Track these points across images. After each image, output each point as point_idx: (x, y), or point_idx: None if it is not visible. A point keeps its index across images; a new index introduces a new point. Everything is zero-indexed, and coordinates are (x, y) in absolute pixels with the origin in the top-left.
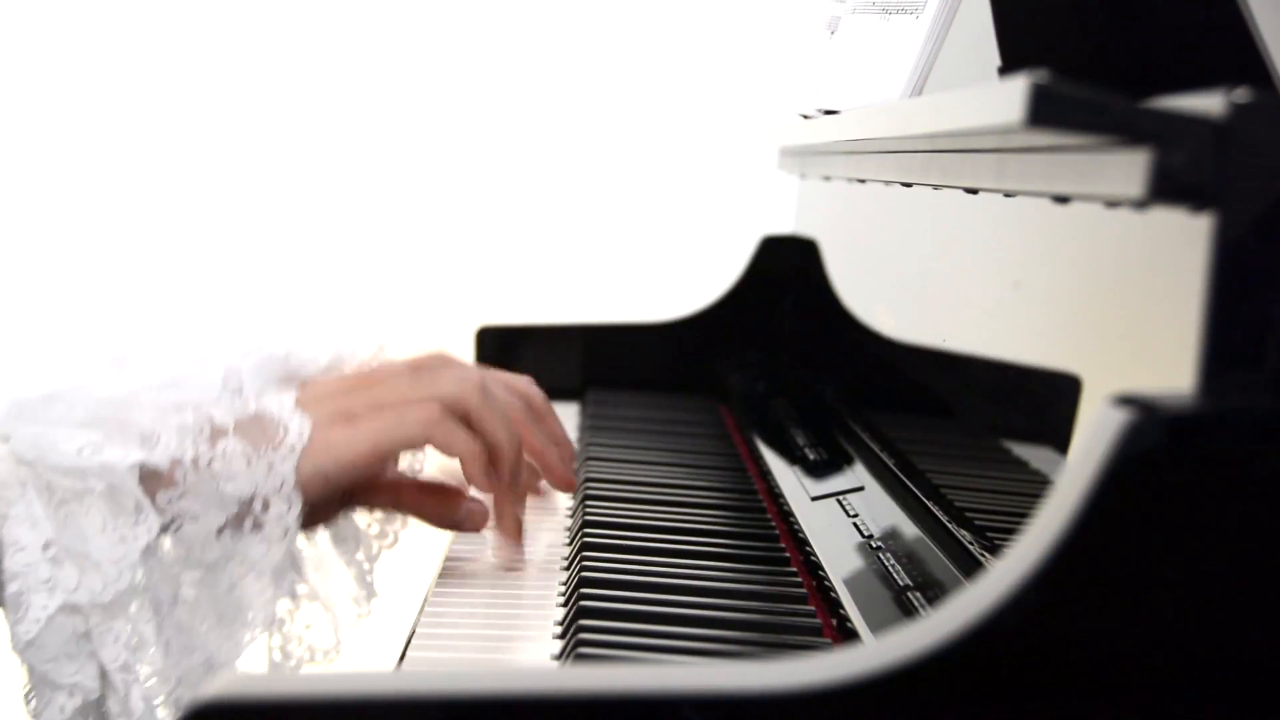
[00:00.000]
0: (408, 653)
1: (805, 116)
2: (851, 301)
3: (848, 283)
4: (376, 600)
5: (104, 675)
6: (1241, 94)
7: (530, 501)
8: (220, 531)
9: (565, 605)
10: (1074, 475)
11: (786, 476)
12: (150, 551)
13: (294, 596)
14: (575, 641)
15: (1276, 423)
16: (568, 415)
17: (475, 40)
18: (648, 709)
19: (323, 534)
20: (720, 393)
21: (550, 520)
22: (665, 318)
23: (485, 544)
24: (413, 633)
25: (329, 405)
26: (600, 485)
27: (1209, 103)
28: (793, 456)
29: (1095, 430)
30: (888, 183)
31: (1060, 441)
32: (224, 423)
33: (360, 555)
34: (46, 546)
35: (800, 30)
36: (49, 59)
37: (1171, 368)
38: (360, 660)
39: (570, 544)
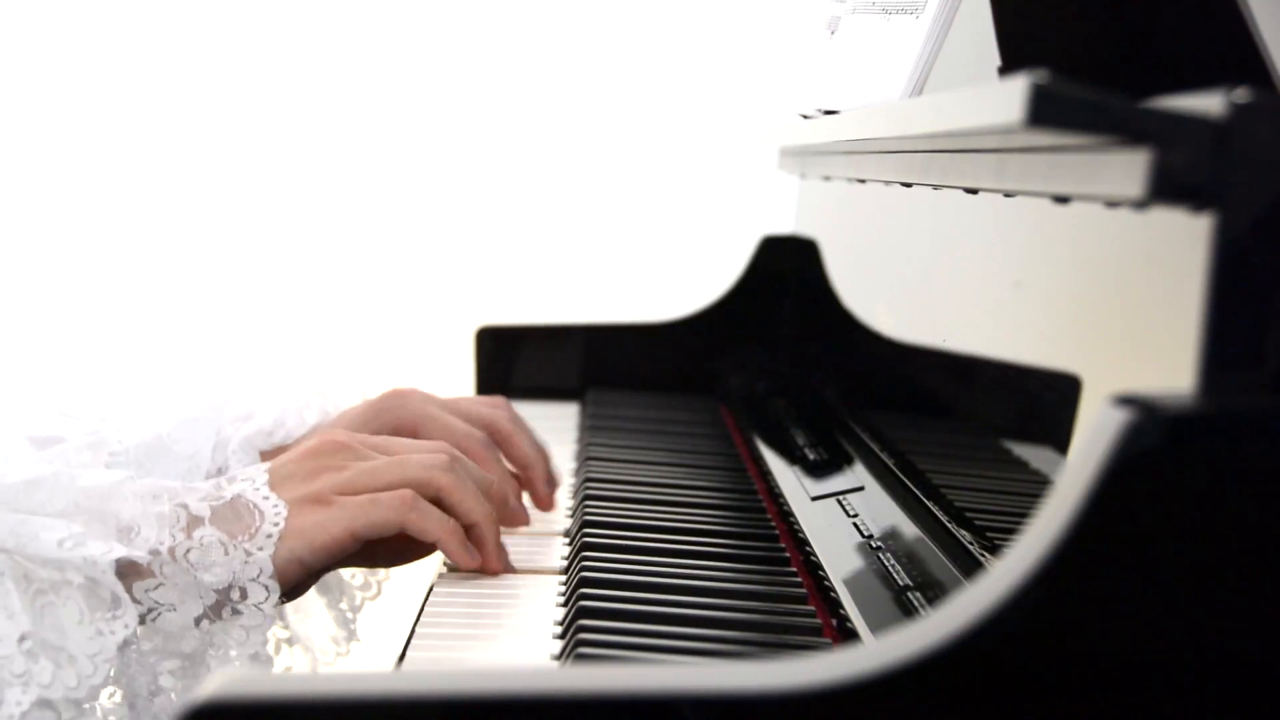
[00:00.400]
0: (408, 653)
1: (805, 116)
2: (851, 301)
3: (848, 283)
4: (374, 602)
5: None
6: (1241, 94)
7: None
8: (199, 621)
9: (565, 605)
10: (1074, 475)
11: (786, 476)
12: (127, 644)
13: (273, 631)
14: (575, 641)
15: (1276, 423)
16: (568, 415)
17: (475, 41)
18: (648, 709)
19: None
20: (720, 393)
21: (550, 520)
22: (665, 318)
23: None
24: (413, 633)
25: (300, 487)
26: (600, 485)
27: (1209, 103)
28: (793, 456)
29: (1095, 430)
30: (888, 183)
31: (1060, 441)
32: (200, 512)
33: (344, 605)
34: (23, 639)
35: (800, 30)
36: (41, 65)
37: (1171, 368)
38: (360, 660)
39: (570, 544)
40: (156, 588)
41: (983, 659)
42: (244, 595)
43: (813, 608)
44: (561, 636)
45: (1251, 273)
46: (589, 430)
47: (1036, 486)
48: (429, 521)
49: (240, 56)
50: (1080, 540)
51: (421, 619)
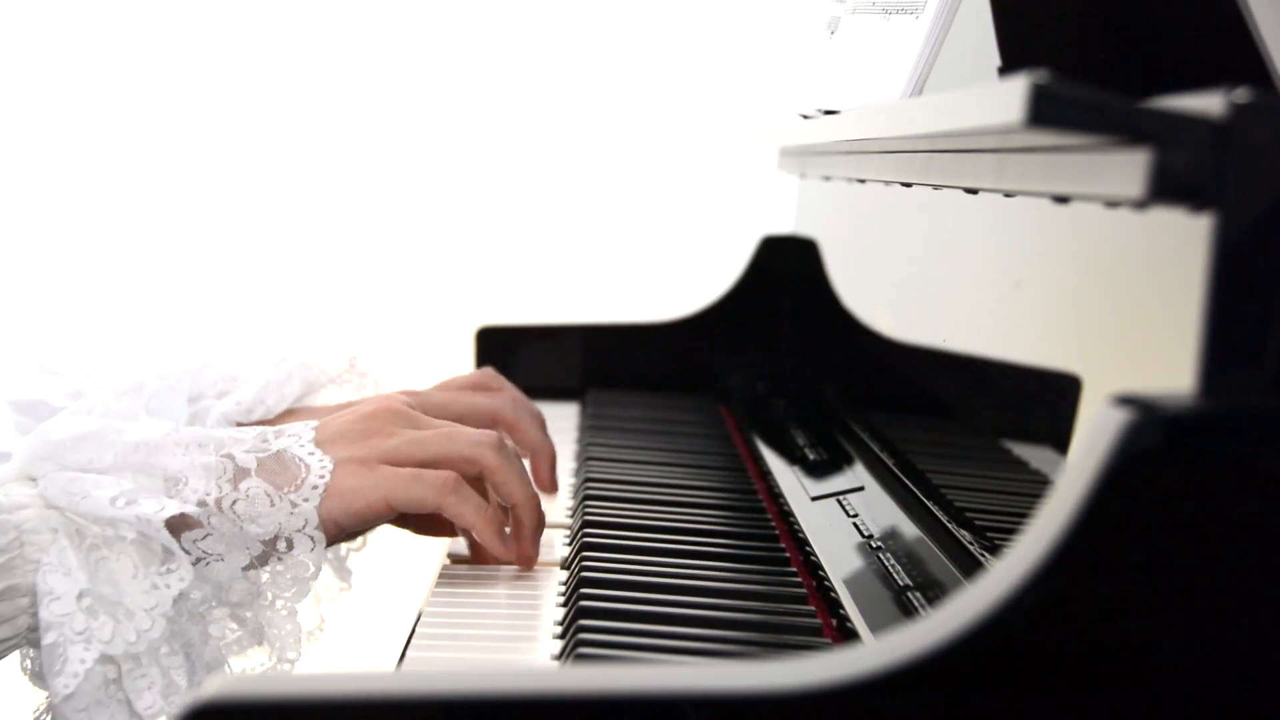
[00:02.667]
0: (408, 653)
1: (805, 116)
2: (851, 301)
3: (848, 283)
4: (360, 585)
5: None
6: (1241, 94)
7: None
8: (246, 570)
9: (565, 605)
10: (1074, 475)
11: (786, 476)
12: (182, 597)
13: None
14: (575, 641)
15: (1276, 423)
16: (568, 415)
17: (476, 41)
18: (648, 709)
19: None
20: (720, 393)
21: (550, 519)
22: (665, 318)
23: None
24: (413, 633)
25: (345, 448)
26: (600, 485)
27: (1209, 103)
28: (793, 456)
29: (1095, 430)
30: (888, 183)
31: (1060, 441)
32: (246, 463)
33: (329, 554)
34: (81, 596)
35: (800, 30)
36: (42, 66)
37: (1171, 368)
38: (360, 660)
39: (570, 544)
40: (204, 538)
41: (983, 659)
42: (290, 546)
43: (813, 608)
44: (561, 636)
45: (1251, 273)
46: (589, 430)
47: (1036, 486)
48: (466, 506)
49: (240, 57)
50: (1080, 540)
51: (421, 619)
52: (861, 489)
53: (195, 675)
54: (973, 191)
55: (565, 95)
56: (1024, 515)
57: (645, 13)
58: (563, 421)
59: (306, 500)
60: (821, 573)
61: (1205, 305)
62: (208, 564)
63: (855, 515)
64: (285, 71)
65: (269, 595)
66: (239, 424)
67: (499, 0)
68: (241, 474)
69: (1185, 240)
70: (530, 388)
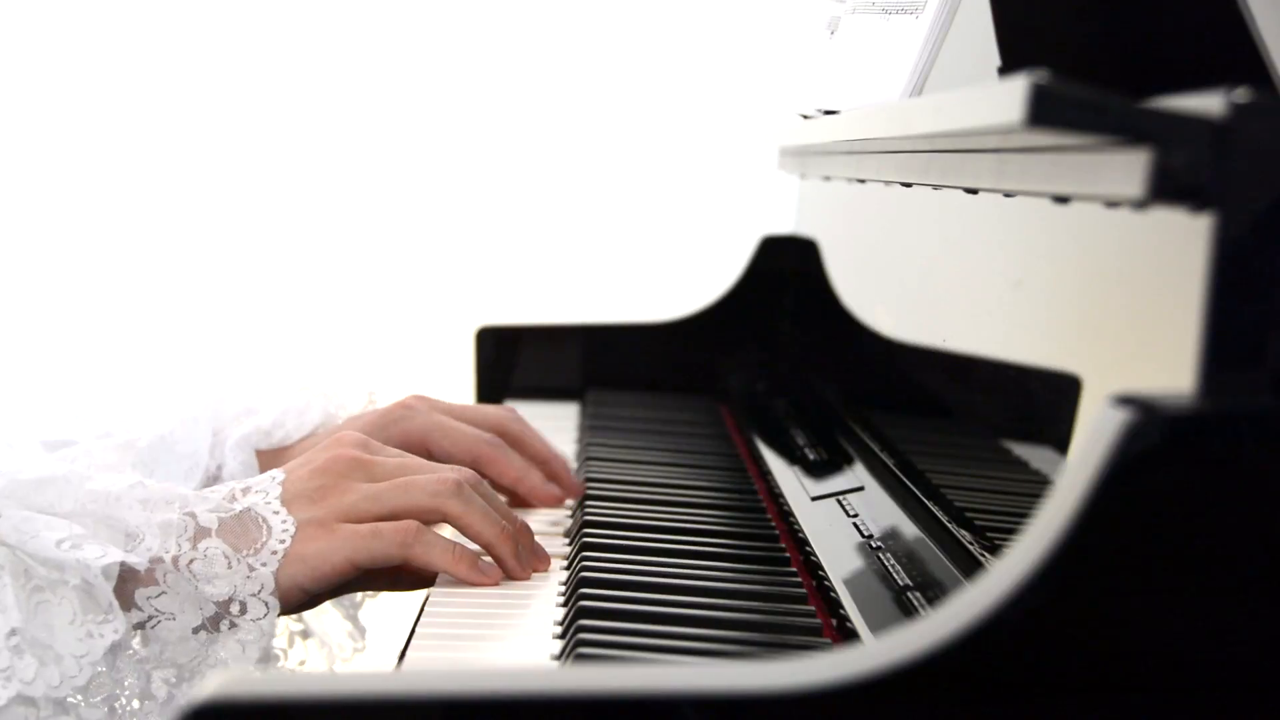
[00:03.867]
0: (408, 653)
1: (805, 116)
2: (851, 301)
3: (848, 283)
4: (374, 603)
5: None
6: (1241, 94)
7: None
8: (196, 631)
9: (565, 605)
10: (1074, 475)
11: (786, 476)
12: (119, 649)
13: (285, 623)
14: (575, 641)
15: (1276, 423)
16: (567, 415)
17: (476, 41)
18: (648, 709)
19: None
20: (720, 393)
21: (550, 519)
22: (665, 318)
23: None
24: (412, 633)
25: (305, 508)
26: (600, 485)
27: (1209, 103)
28: (793, 456)
29: (1095, 430)
30: (888, 183)
31: (1060, 441)
32: (208, 523)
33: (346, 601)
34: (11, 634)
35: (800, 30)
36: (43, 66)
37: (1171, 368)
38: (360, 660)
39: (570, 544)
40: (158, 595)
41: (983, 659)
42: (244, 610)
43: (813, 608)
44: (561, 636)
45: (1251, 273)
46: (589, 430)
47: (1036, 486)
48: (433, 552)
49: (241, 57)
50: (1080, 540)
51: (421, 619)
52: (861, 489)
53: None
54: (973, 191)
55: (565, 95)
56: (1024, 515)
57: (645, 13)
58: (563, 421)
59: (264, 565)
60: (821, 573)
61: (1205, 305)
62: (158, 622)
63: (855, 515)
64: (285, 72)
65: (216, 658)
66: (258, 450)
67: (499, 0)
68: (202, 533)
69: (1185, 240)
70: (530, 388)
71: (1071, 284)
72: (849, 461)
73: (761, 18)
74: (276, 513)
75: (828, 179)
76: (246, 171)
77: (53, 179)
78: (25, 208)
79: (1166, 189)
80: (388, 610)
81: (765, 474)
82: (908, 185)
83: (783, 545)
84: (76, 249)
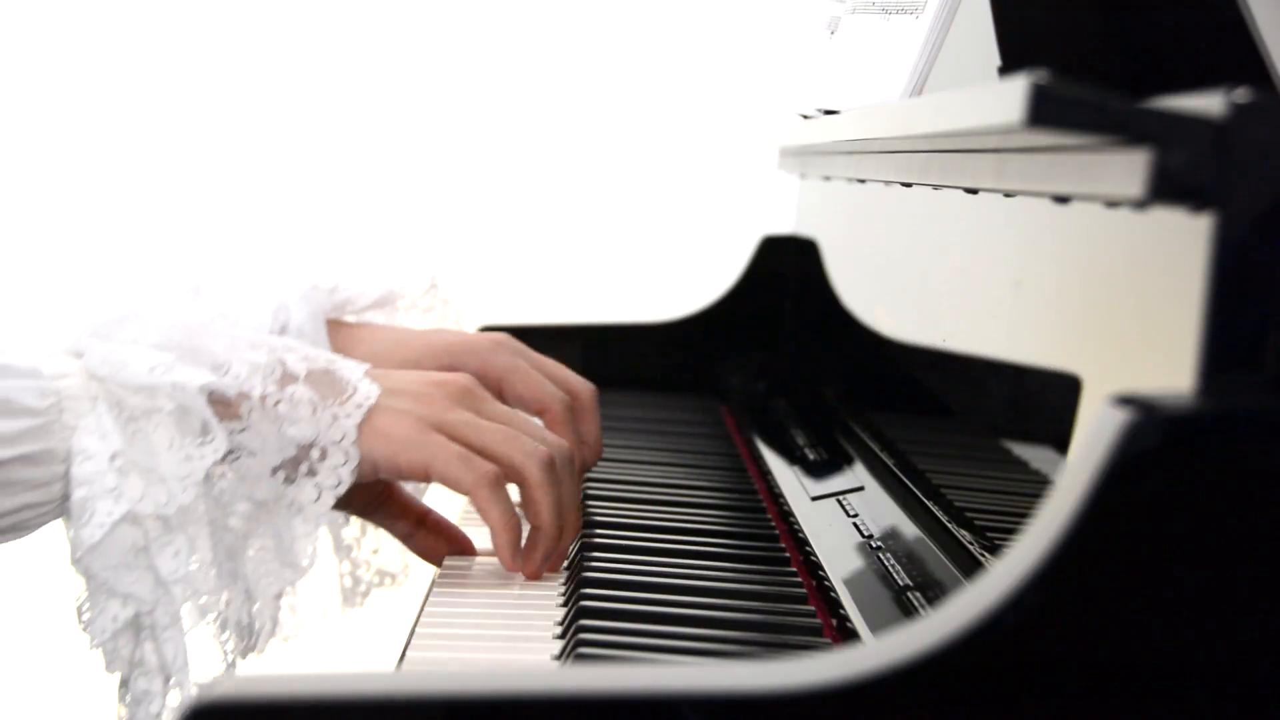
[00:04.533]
0: (408, 653)
1: (805, 116)
2: (851, 301)
3: (848, 283)
4: (374, 602)
5: (160, 587)
6: (1241, 94)
7: None
8: (275, 471)
9: (565, 605)
10: (1074, 475)
11: (786, 476)
12: (211, 476)
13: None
14: (575, 641)
15: (1276, 423)
16: None
17: (476, 40)
18: (648, 709)
19: None
20: (720, 393)
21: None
22: (665, 318)
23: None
24: (413, 633)
25: (406, 402)
26: (600, 485)
27: (1209, 103)
28: (793, 456)
29: (1095, 430)
30: (888, 183)
31: (1060, 441)
32: (296, 369)
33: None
34: (114, 457)
35: (800, 30)
36: (43, 66)
37: (1171, 368)
38: (360, 660)
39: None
40: (241, 430)
41: (983, 659)
42: (324, 455)
43: (813, 608)
44: (561, 636)
45: (1251, 273)
46: None
47: (1036, 486)
48: (495, 508)
49: (240, 57)
50: (1080, 540)
51: (421, 619)
52: (861, 489)
53: (217, 554)
54: (973, 191)
55: (565, 96)
56: (1024, 515)
57: (646, 13)
58: None
59: (349, 416)
60: (821, 573)
61: (1205, 305)
62: (239, 458)
63: (855, 515)
64: (285, 73)
65: (293, 500)
66: (328, 319)
67: (499, 0)
68: (289, 378)
69: (1185, 240)
70: None
71: (1071, 284)
72: (849, 461)
73: (761, 18)
74: (362, 380)
75: (828, 179)
76: (246, 172)
77: (53, 181)
78: (21, 207)
79: (1166, 189)
80: (388, 610)
81: (765, 474)
82: (908, 185)
83: (783, 545)
84: (75, 247)
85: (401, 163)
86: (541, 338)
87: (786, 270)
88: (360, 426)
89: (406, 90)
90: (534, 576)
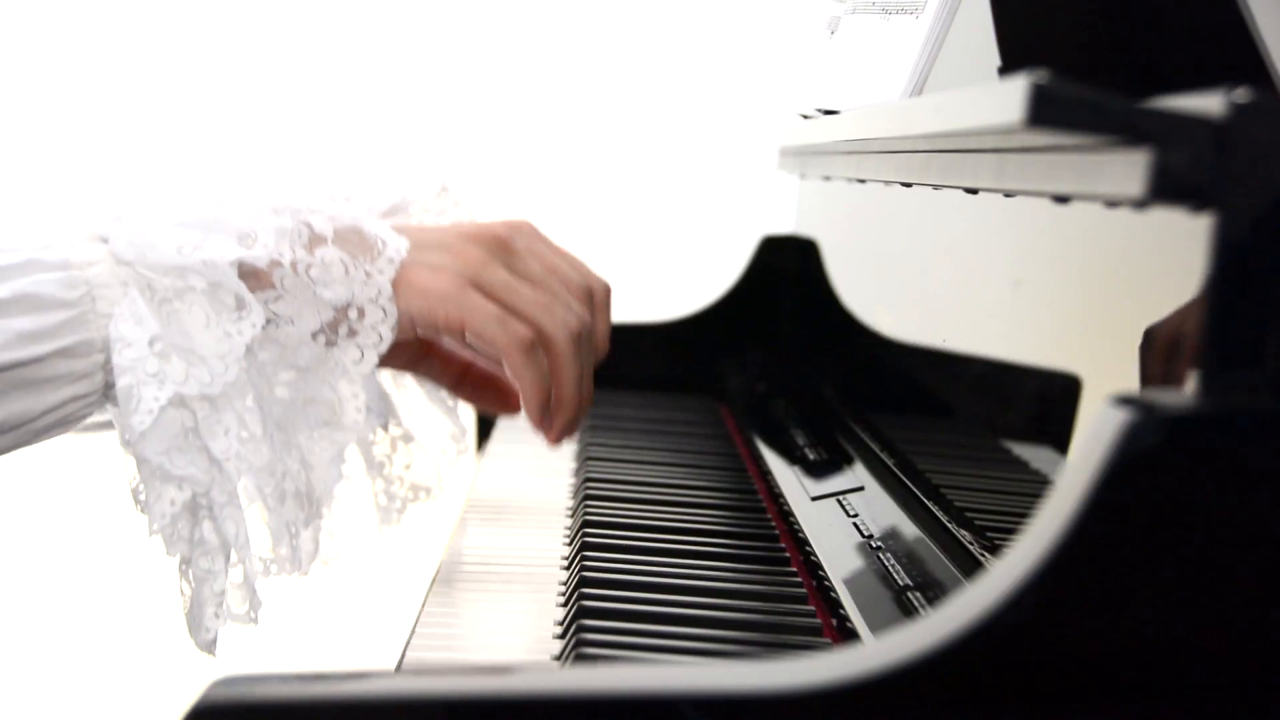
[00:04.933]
0: (408, 653)
1: (805, 116)
2: (851, 301)
3: (848, 283)
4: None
5: (214, 466)
6: (1241, 94)
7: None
8: (315, 336)
9: (565, 605)
10: (1074, 475)
11: (786, 476)
12: (251, 354)
13: (388, 431)
14: (575, 641)
15: (1276, 423)
16: None
17: (476, 41)
18: (648, 709)
19: (408, 378)
20: (720, 393)
21: (550, 520)
22: (665, 318)
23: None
24: (413, 633)
25: (440, 256)
26: (600, 485)
27: (1209, 103)
28: (793, 456)
29: (1095, 430)
30: (888, 183)
31: (1060, 441)
32: (323, 230)
33: (444, 392)
34: (152, 342)
35: (800, 30)
36: (43, 66)
37: None
38: (360, 660)
39: (570, 544)
40: (276, 300)
41: (983, 659)
42: (361, 314)
43: (813, 608)
44: (561, 636)
45: (1251, 273)
46: (589, 430)
47: (1036, 486)
48: (529, 371)
49: (240, 57)
50: (1080, 540)
51: (421, 619)
52: (861, 489)
53: (267, 428)
54: (973, 191)
55: (566, 96)
56: (1024, 515)
57: (646, 14)
58: None
59: (381, 272)
60: (821, 573)
61: (1205, 305)
62: (277, 326)
63: (855, 515)
64: (285, 73)
65: (336, 361)
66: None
67: (500, 1)
68: (317, 241)
69: (1185, 240)
70: None
71: (1071, 284)
72: (849, 461)
73: (761, 18)
74: (389, 233)
75: (828, 179)
76: (247, 173)
77: (51, 178)
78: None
79: (1166, 189)
80: (388, 610)
81: (765, 474)
82: (908, 185)
83: (783, 545)
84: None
85: (401, 163)
86: None
87: (786, 270)
88: (395, 283)
89: (407, 90)
90: (555, 442)
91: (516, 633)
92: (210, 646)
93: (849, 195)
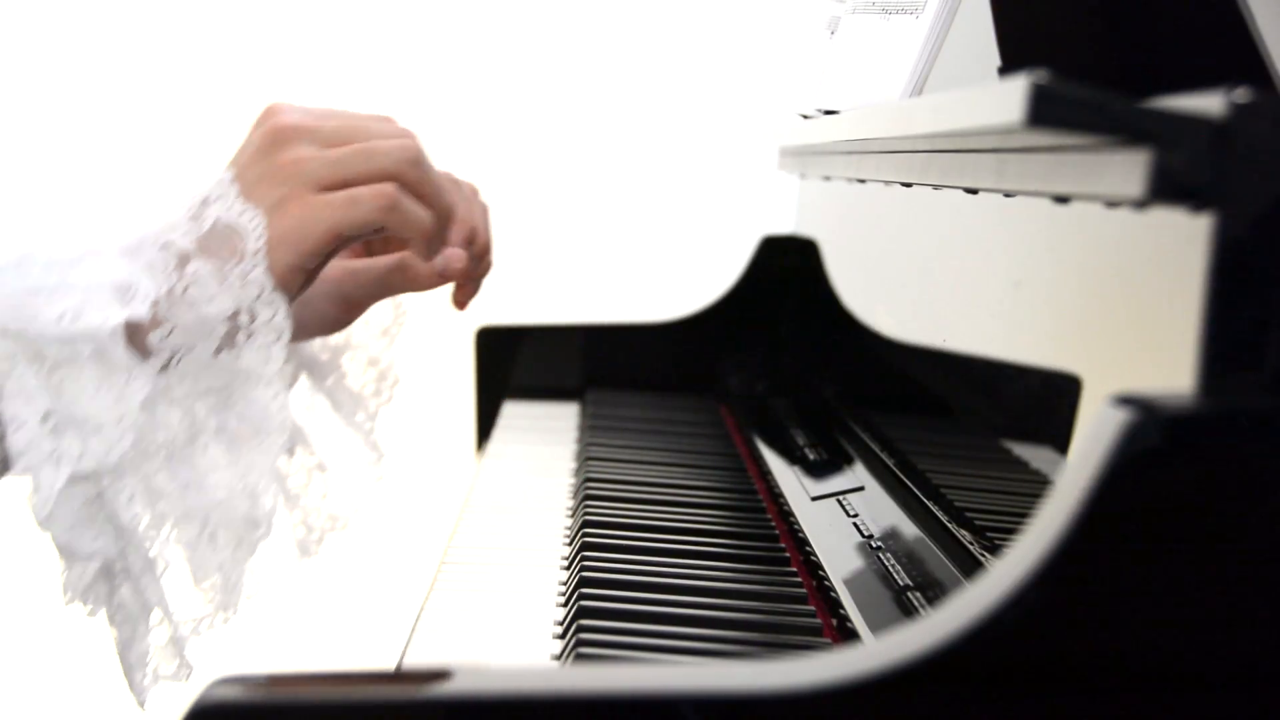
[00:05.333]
0: (408, 653)
1: (805, 116)
2: (851, 301)
3: (848, 283)
4: (387, 461)
5: (123, 535)
6: (1241, 94)
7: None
8: (217, 353)
9: (565, 605)
10: (1074, 475)
11: (786, 476)
12: (151, 402)
13: (301, 461)
14: (575, 641)
15: (1276, 423)
16: (568, 415)
17: (475, 41)
18: (648, 709)
19: (321, 402)
20: (720, 393)
21: (550, 520)
22: (665, 318)
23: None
24: (413, 633)
25: (270, 189)
26: (600, 485)
27: (1209, 103)
28: (793, 456)
29: (1095, 430)
30: (888, 183)
31: (1060, 441)
32: (186, 247)
33: (360, 417)
34: (45, 418)
35: (800, 30)
36: (43, 66)
37: (1171, 368)
38: (360, 660)
39: (570, 544)
40: (169, 334)
41: (983, 659)
42: (253, 316)
43: (813, 608)
44: (561, 636)
45: (1251, 273)
46: (589, 430)
47: (1036, 486)
48: (411, 216)
49: (240, 57)
50: (1080, 540)
51: (421, 619)
52: (861, 489)
53: (179, 477)
54: (973, 191)
55: (566, 95)
56: (1024, 515)
57: (646, 13)
58: (563, 421)
59: (255, 266)
60: (821, 573)
61: (1205, 305)
62: (180, 358)
63: (855, 515)
64: (285, 73)
65: (247, 371)
66: None
67: (499, 0)
68: (184, 259)
69: (1185, 240)
70: (530, 388)
71: (1071, 284)
72: (849, 461)
73: (761, 18)
74: (243, 213)
75: (828, 179)
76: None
77: (50, 181)
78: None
79: (1166, 189)
80: (388, 610)
81: (765, 474)
82: (908, 185)
83: (783, 545)
84: None
85: None
86: (541, 338)
87: (786, 270)
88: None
89: (407, 90)
90: (460, 264)
91: (516, 632)
92: (144, 703)
93: (849, 195)
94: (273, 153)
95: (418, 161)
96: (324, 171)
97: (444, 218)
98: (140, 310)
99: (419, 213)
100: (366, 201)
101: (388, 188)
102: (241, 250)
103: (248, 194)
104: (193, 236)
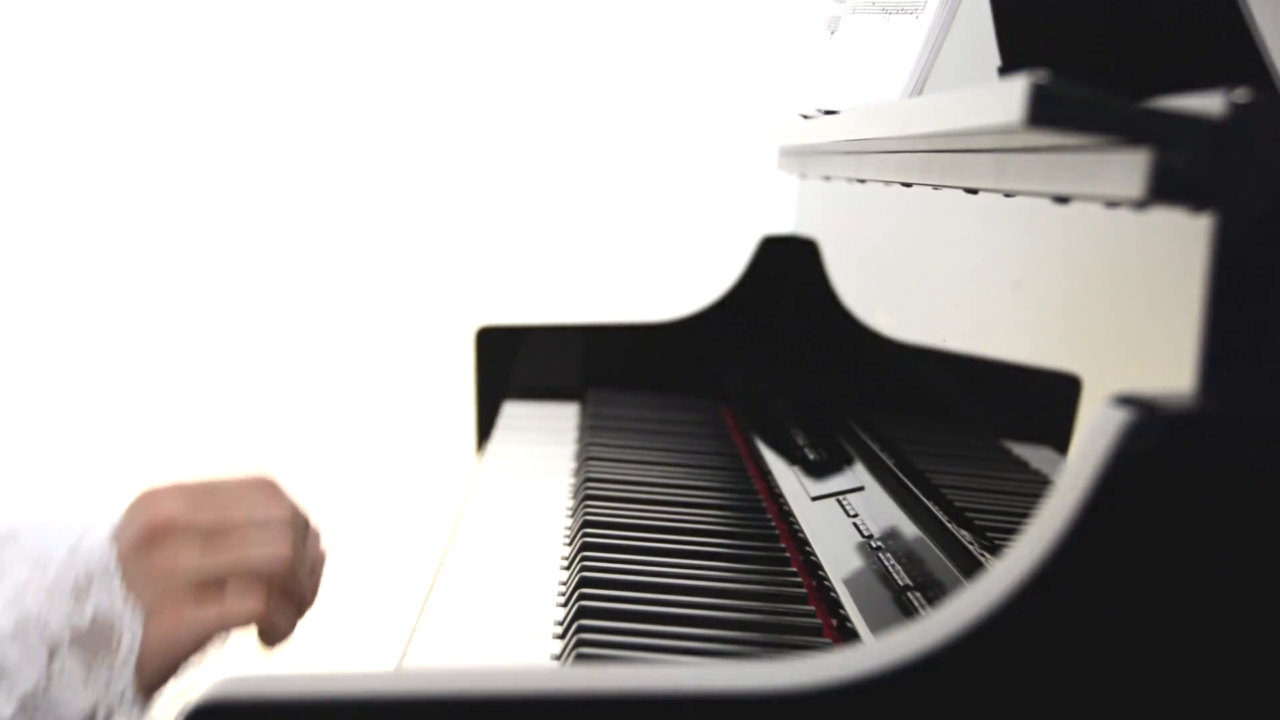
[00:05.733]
0: (408, 653)
1: (805, 116)
2: (851, 301)
3: (848, 283)
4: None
5: None
6: (1241, 94)
7: (522, 501)
8: None
9: (565, 605)
10: (1074, 475)
11: (786, 476)
12: None
13: None
14: (575, 641)
15: (1276, 423)
16: (568, 415)
17: (475, 40)
18: (648, 709)
19: None
20: (720, 393)
21: (550, 520)
22: (665, 318)
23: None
24: (413, 633)
25: (147, 591)
26: (600, 485)
27: (1209, 103)
28: (793, 456)
29: (1095, 430)
30: (888, 183)
31: (1060, 441)
32: (60, 637)
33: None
34: None
35: (800, 30)
36: (43, 66)
37: (1171, 368)
38: (360, 660)
39: (570, 544)
40: None
41: (983, 659)
42: (109, 715)
43: (813, 608)
44: (561, 636)
45: (1251, 273)
46: (589, 430)
47: (1036, 486)
48: (280, 621)
49: (240, 57)
50: (1080, 540)
51: (421, 619)
52: (861, 489)
53: None
54: (973, 191)
55: (565, 95)
56: (1024, 515)
57: (645, 13)
58: (563, 421)
59: (124, 664)
60: (821, 573)
61: (1205, 305)
62: None
63: (855, 515)
64: (285, 73)
65: None
66: None
67: (499, 0)
68: (55, 649)
69: (1185, 240)
70: (530, 388)
71: (1071, 284)
72: (849, 461)
73: (761, 18)
74: (122, 612)
75: (828, 179)
76: (247, 173)
77: (49, 184)
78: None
79: (1166, 189)
80: (388, 610)
81: (765, 474)
82: (908, 185)
83: (783, 545)
84: (78, 248)
85: (402, 163)
86: (541, 338)
87: (786, 270)
88: (137, 662)
89: (408, 90)
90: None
91: (516, 632)
92: None
93: (849, 195)
94: (150, 552)
95: (291, 559)
96: (199, 577)
97: (304, 608)
98: (6, 713)
99: (284, 625)
100: (238, 617)
101: (259, 607)
102: (115, 646)
103: (128, 584)
104: (72, 622)
